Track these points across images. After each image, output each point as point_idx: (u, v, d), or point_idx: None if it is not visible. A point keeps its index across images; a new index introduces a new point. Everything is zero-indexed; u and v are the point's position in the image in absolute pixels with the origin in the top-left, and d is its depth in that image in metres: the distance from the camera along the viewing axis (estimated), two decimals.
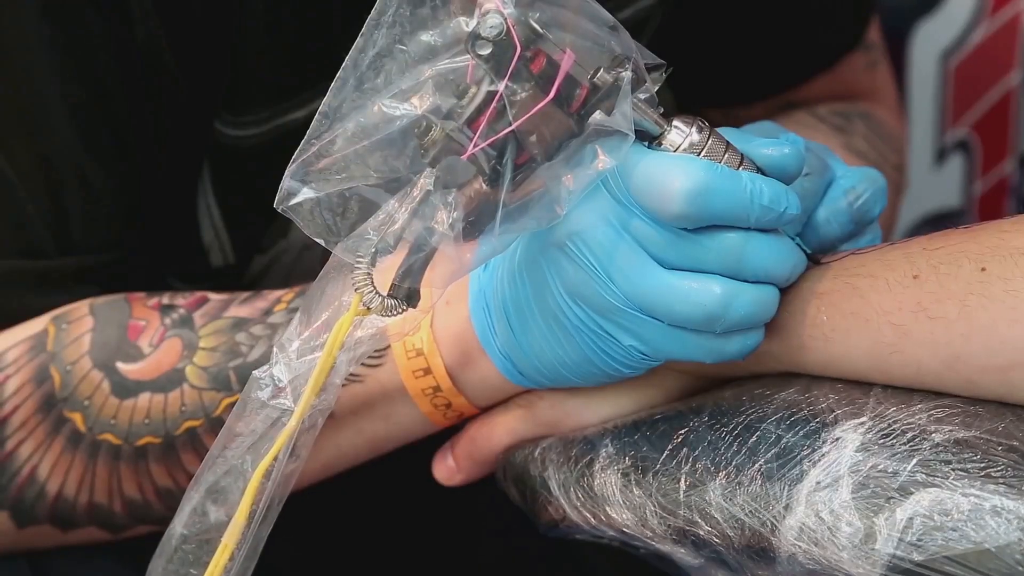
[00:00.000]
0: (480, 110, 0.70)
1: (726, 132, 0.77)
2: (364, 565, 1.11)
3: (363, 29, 0.71)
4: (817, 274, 0.79)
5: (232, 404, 0.83)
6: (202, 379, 0.86)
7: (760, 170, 0.76)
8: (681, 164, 0.74)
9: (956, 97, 1.50)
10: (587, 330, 0.78)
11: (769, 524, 0.74)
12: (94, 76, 0.88)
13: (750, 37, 1.12)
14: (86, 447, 0.87)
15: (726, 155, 0.75)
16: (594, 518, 0.80)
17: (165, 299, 0.89)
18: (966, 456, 0.71)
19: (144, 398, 0.86)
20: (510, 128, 0.70)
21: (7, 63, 0.87)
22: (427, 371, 0.83)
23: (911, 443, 0.72)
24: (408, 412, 0.85)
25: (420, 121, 0.71)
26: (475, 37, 0.69)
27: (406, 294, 0.72)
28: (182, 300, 0.88)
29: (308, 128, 0.70)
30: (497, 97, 0.70)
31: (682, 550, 0.77)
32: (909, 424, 0.73)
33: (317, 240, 0.72)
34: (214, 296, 0.89)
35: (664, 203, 0.74)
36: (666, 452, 0.79)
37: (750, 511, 0.75)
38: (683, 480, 0.77)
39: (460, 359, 0.83)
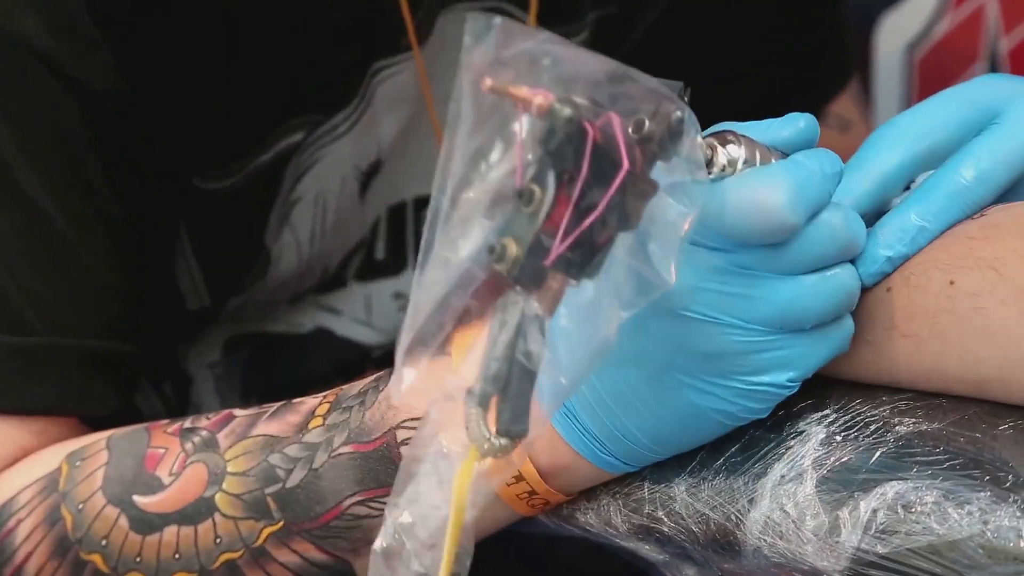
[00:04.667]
0: (553, 207, 0.62)
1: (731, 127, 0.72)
2: None
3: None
4: None
5: (275, 532, 0.79)
6: (236, 508, 0.79)
7: (784, 153, 0.72)
8: (762, 180, 0.69)
9: (921, 89, 1.50)
10: (721, 389, 0.72)
11: (734, 518, 0.74)
12: (63, 151, 0.85)
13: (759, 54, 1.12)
14: None
15: (769, 151, 0.71)
16: (557, 517, 0.80)
17: (187, 423, 0.82)
18: (929, 448, 0.71)
19: (170, 532, 0.79)
20: (596, 214, 0.62)
21: None
22: (519, 479, 0.77)
23: (875, 436, 0.72)
24: (499, 510, 0.79)
25: (491, 247, 0.62)
26: (549, 134, 0.61)
27: (517, 432, 0.63)
28: (205, 421, 0.82)
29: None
30: (580, 186, 0.62)
31: (647, 547, 0.77)
32: (873, 416, 0.73)
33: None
34: (239, 412, 0.82)
35: (766, 224, 0.69)
36: None
37: (715, 505, 0.75)
38: (648, 477, 0.77)
39: (554, 468, 0.76)
